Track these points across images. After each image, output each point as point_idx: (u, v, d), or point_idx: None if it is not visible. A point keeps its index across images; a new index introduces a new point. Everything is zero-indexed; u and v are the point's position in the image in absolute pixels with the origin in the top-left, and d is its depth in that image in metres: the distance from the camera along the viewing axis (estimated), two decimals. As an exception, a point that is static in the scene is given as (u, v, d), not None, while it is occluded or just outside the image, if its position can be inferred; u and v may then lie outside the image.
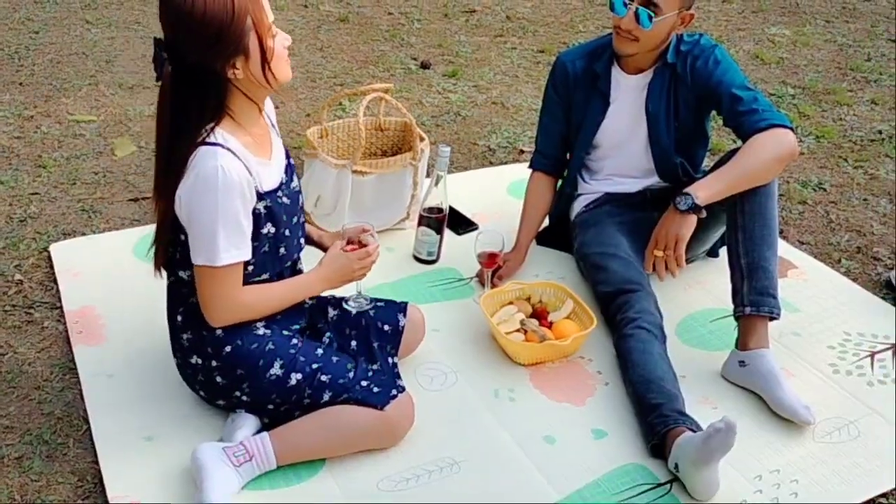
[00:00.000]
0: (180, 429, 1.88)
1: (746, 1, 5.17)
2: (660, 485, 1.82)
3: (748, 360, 2.06)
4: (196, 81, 1.59)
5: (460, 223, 2.72)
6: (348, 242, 1.89)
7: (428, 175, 2.66)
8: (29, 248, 2.49)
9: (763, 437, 1.95)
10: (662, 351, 2.07)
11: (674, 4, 2.11)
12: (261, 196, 1.68)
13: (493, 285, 2.36)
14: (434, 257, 2.52)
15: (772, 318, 2.09)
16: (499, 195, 2.91)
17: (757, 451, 1.91)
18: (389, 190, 2.54)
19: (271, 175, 1.73)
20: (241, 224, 1.65)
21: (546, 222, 2.59)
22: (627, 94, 2.34)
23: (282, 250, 1.79)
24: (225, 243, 1.63)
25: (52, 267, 2.40)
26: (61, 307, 2.24)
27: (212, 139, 1.60)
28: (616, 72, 2.34)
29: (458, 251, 2.54)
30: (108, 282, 2.33)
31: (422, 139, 2.58)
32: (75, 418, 1.91)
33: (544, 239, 2.63)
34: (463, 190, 2.92)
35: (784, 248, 2.68)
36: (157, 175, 1.68)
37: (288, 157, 1.85)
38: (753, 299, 2.08)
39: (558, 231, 2.59)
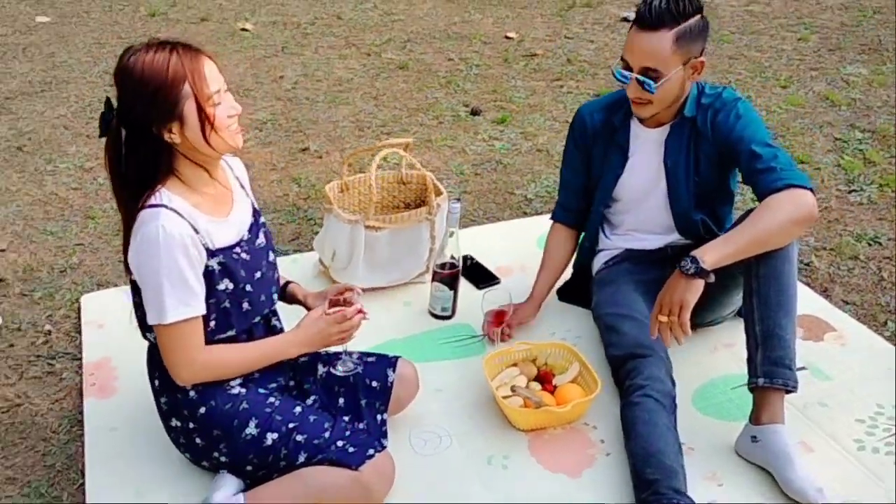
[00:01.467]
0: (169, 487, 1.91)
1: (824, 39, 4.96)
2: (647, 568, 1.72)
3: (760, 436, 1.94)
4: (138, 141, 1.63)
5: (482, 277, 2.69)
6: (332, 304, 1.88)
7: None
8: (63, 298, 2.60)
9: (767, 520, 1.82)
10: (670, 422, 1.97)
11: (675, 62, 2.04)
12: (212, 253, 1.70)
13: (503, 339, 2.31)
14: (448, 313, 2.49)
15: (787, 391, 1.96)
16: (527, 248, 2.85)
17: (759, 534, 1.79)
18: (405, 244, 2.53)
19: (226, 233, 1.74)
20: (188, 280, 1.65)
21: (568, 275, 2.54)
22: (646, 147, 2.26)
23: (245, 305, 1.79)
24: (172, 300, 1.64)
25: (81, 318, 2.50)
26: (82, 359, 2.33)
27: (154, 200, 1.63)
28: (635, 125, 2.27)
29: (476, 306, 2.50)
30: (128, 334, 2.37)
31: (439, 193, 2.57)
32: (73, 472, 1.97)
33: (565, 294, 2.57)
34: (491, 242, 2.90)
35: (825, 309, 2.53)
36: (123, 239, 1.71)
37: (256, 215, 1.87)
38: (767, 370, 1.96)
39: (579, 286, 2.52)
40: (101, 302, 2.57)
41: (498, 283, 2.66)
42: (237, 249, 1.75)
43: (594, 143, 2.34)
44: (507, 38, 5.11)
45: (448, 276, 2.42)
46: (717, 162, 2.21)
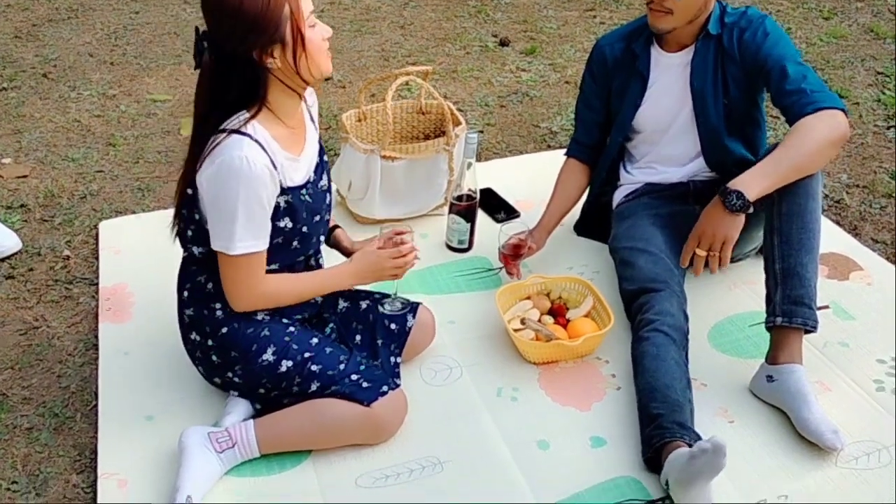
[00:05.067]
0: (181, 410, 1.93)
1: (873, -32, 4.73)
2: (651, 502, 1.71)
3: (776, 376, 1.90)
4: (234, 70, 1.59)
5: (502, 210, 2.64)
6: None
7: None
8: (83, 224, 2.61)
9: (778, 459, 1.79)
10: (679, 357, 1.93)
11: None
12: (284, 191, 1.69)
13: (518, 273, 2.28)
14: (465, 245, 2.46)
15: (807, 331, 1.91)
16: (548, 182, 2.74)
17: (768, 472, 1.76)
18: (423, 175, 2.49)
19: (298, 171, 1.73)
20: (261, 215, 1.65)
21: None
22: (668, 72, 2.18)
23: (295, 244, 1.79)
24: (242, 233, 1.64)
25: (98, 244, 2.51)
26: (99, 283, 2.34)
27: (240, 127, 1.61)
28: (655, 51, 2.18)
29: (494, 239, 2.46)
30: (144, 260, 2.41)
31: (457, 123, 2.51)
32: (87, 393, 2.00)
33: (584, 229, 2.52)
34: (513, 175, 2.85)
35: (852, 247, 2.45)
36: (188, 155, 1.69)
37: (321, 154, 1.85)
38: (786, 309, 1.91)
39: (597, 220, 2.47)
40: (118, 228, 2.58)
41: (517, 216, 2.61)
42: (303, 191, 1.74)
43: (614, 75, 2.26)
44: (540, -34, 4.94)
45: (465, 208, 2.38)
46: (745, 85, 2.12)
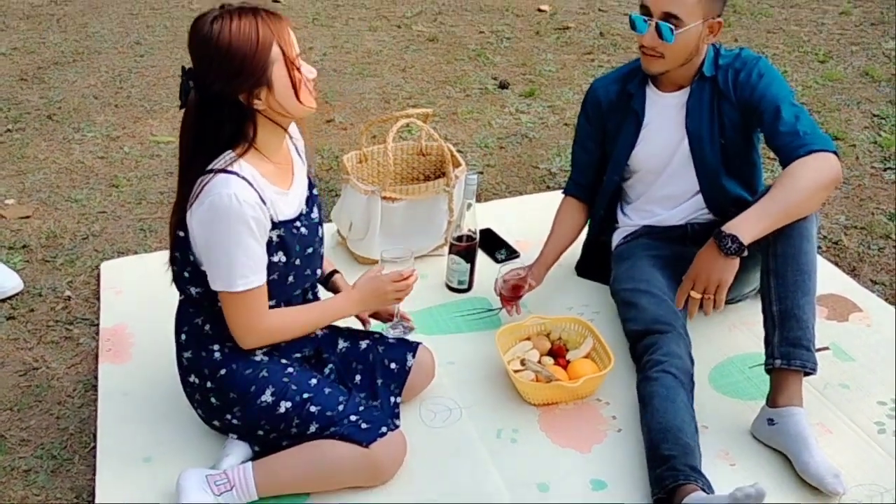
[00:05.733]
0: (179, 452, 1.92)
1: (867, 13, 4.81)
2: (652, 546, 1.69)
3: (777, 419, 1.89)
4: (220, 111, 1.61)
5: (501, 250, 2.66)
6: None
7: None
8: (84, 265, 2.63)
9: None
10: (687, 400, 1.92)
11: (697, 14, 1.99)
12: (275, 225, 1.70)
13: (517, 312, 2.29)
14: (465, 286, 2.47)
15: (806, 373, 1.91)
16: (547, 223, 2.78)
17: (770, 516, 1.74)
18: (423, 216, 2.51)
19: (289, 205, 1.74)
20: (256, 250, 1.66)
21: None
22: (664, 113, 2.20)
23: (290, 278, 1.80)
24: (241, 269, 1.65)
25: (100, 284, 2.52)
26: (99, 324, 2.35)
27: (226, 166, 1.62)
28: (651, 90, 2.21)
29: (494, 279, 2.47)
30: (145, 301, 2.42)
31: (457, 165, 2.54)
32: (86, 435, 1.99)
33: (583, 269, 2.53)
34: (512, 215, 2.86)
35: (851, 289, 2.46)
36: (177, 197, 1.71)
37: (311, 187, 1.87)
38: (784, 351, 1.91)
39: (596, 261, 2.48)
40: (120, 269, 2.59)
41: (517, 256, 2.63)
42: (297, 223, 1.75)
43: (609, 117, 2.28)
44: (539, 10, 5.03)
45: (465, 248, 2.40)
46: (741, 125, 2.14)
